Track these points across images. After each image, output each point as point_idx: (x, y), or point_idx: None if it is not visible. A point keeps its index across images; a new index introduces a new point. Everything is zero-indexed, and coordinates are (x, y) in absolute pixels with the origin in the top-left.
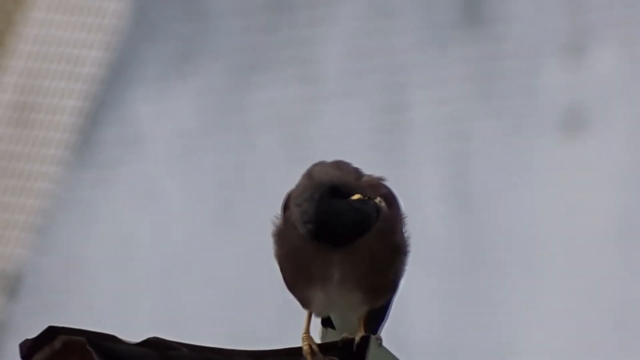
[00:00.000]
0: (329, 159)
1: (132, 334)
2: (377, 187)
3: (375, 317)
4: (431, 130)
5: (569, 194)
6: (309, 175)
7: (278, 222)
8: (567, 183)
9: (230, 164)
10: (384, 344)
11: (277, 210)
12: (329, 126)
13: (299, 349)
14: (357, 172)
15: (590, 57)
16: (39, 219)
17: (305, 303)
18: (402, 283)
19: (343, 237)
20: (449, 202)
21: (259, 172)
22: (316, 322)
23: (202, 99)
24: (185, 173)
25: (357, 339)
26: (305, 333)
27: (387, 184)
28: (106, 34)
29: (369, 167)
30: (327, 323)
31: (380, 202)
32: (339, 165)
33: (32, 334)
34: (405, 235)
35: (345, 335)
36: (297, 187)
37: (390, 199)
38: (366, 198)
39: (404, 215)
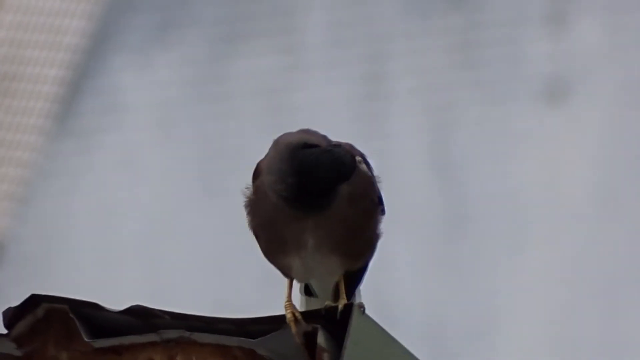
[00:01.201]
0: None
1: (115, 302)
2: (349, 150)
3: (352, 280)
4: (413, 99)
5: (551, 162)
6: (276, 143)
7: (249, 192)
8: (549, 152)
9: (211, 133)
10: (367, 311)
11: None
12: (310, 96)
13: (282, 316)
14: (325, 139)
15: (572, 27)
16: (20, 188)
17: (284, 271)
18: (382, 247)
19: (326, 183)
20: (431, 172)
21: (240, 141)
22: (296, 290)
23: (183, 69)
24: (167, 142)
25: (340, 306)
26: (287, 301)
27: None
28: (88, 4)
29: (351, 137)
30: (307, 291)
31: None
32: (306, 131)
33: (15, 303)
34: (380, 196)
35: (328, 303)
36: (266, 157)
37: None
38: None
39: (377, 178)
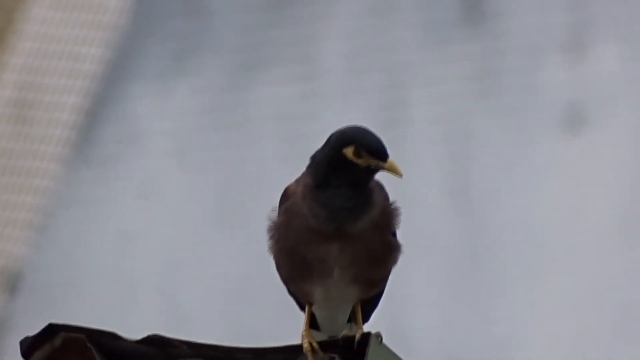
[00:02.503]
0: None
1: (132, 331)
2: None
3: (369, 307)
4: (431, 128)
5: (569, 191)
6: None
7: (274, 216)
8: (568, 180)
9: (229, 161)
10: (385, 340)
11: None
12: (328, 124)
13: (299, 346)
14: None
15: (591, 54)
16: (38, 217)
17: (305, 298)
18: (399, 275)
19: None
20: (449, 200)
21: (259, 169)
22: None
23: (201, 97)
24: (185, 170)
25: (358, 336)
26: (305, 330)
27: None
28: (106, 31)
29: None
30: (310, 325)
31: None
32: None
33: (33, 332)
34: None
35: (345, 332)
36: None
37: (387, 194)
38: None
39: (400, 211)
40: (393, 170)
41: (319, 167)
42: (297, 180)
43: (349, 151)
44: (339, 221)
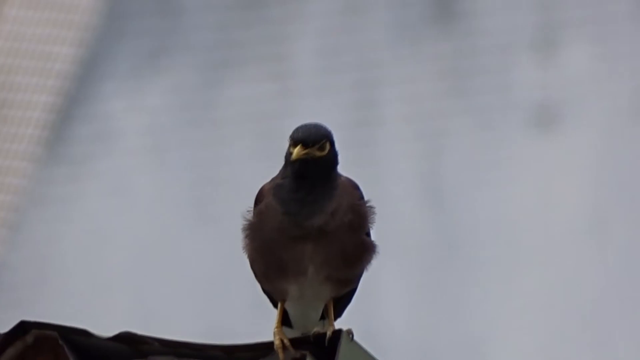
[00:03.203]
0: None
1: (105, 328)
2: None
3: (342, 306)
4: (403, 126)
5: (541, 188)
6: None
7: (250, 216)
8: (539, 178)
9: (203, 159)
10: (356, 338)
11: (250, 205)
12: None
13: (271, 343)
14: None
15: (561, 54)
16: (11, 215)
17: (279, 296)
18: (372, 273)
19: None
20: (421, 198)
21: (232, 167)
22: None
23: (174, 95)
24: (158, 169)
25: (329, 333)
26: (276, 327)
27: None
28: (78, 30)
29: (341, 163)
30: (283, 322)
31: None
32: None
33: (4, 329)
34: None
35: (316, 329)
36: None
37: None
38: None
39: (374, 210)
40: (294, 155)
41: (283, 165)
42: (272, 179)
43: (290, 145)
44: (293, 214)
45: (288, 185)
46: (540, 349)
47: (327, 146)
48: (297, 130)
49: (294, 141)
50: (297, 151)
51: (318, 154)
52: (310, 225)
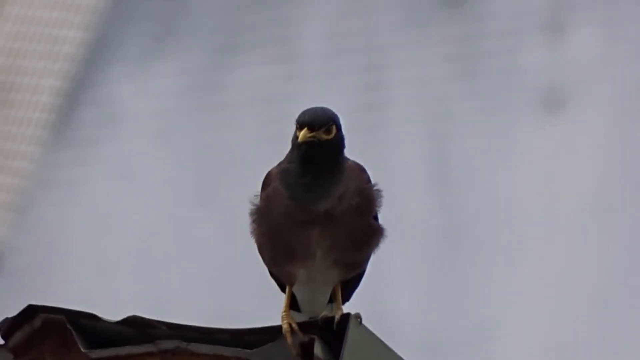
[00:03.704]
0: None
1: (112, 312)
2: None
3: (349, 287)
4: (411, 110)
5: (549, 173)
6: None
7: (256, 200)
8: (547, 162)
9: (209, 143)
10: (364, 321)
11: (256, 189)
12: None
13: (279, 327)
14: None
15: (571, 36)
16: (18, 198)
17: (287, 280)
18: (379, 257)
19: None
20: (428, 181)
21: (238, 151)
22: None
23: (181, 79)
24: (165, 152)
25: (337, 317)
26: (284, 311)
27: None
28: (85, 14)
29: (349, 147)
30: (291, 306)
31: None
32: None
33: (12, 313)
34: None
35: (325, 313)
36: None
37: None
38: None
39: (381, 194)
40: (300, 138)
41: (290, 149)
42: (279, 164)
43: (296, 129)
44: (300, 199)
45: (294, 170)
46: (547, 332)
47: (334, 129)
48: (303, 113)
49: (300, 124)
50: (303, 134)
51: (324, 137)
52: (317, 210)
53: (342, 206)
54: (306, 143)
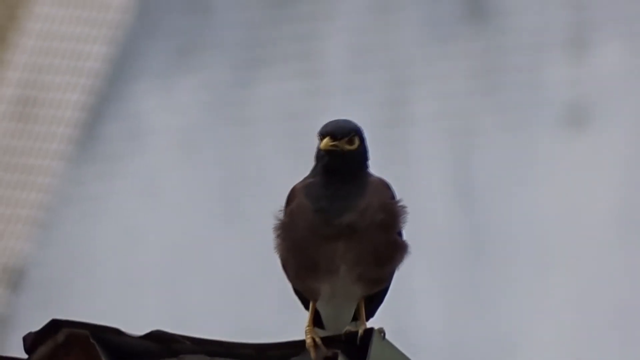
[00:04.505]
0: None
1: (136, 327)
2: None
3: (373, 303)
4: (434, 124)
5: (572, 188)
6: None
7: (281, 215)
8: (570, 177)
9: (233, 158)
10: (387, 336)
11: (280, 204)
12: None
13: (302, 341)
14: None
15: (594, 52)
16: (42, 213)
17: (311, 295)
18: (403, 271)
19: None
20: (452, 197)
21: (262, 166)
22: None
23: (205, 93)
24: (189, 167)
25: (361, 331)
26: (308, 326)
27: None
28: (109, 29)
29: (372, 162)
30: (315, 323)
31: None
32: None
33: (36, 328)
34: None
35: (348, 328)
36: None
37: (392, 193)
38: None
39: (405, 210)
40: (322, 146)
41: (314, 163)
42: (304, 179)
43: (319, 141)
44: (323, 211)
45: (319, 182)
46: (570, 347)
47: (357, 140)
48: (325, 125)
49: (322, 134)
50: (325, 142)
51: (347, 147)
52: (340, 223)
53: (366, 221)
54: (328, 152)
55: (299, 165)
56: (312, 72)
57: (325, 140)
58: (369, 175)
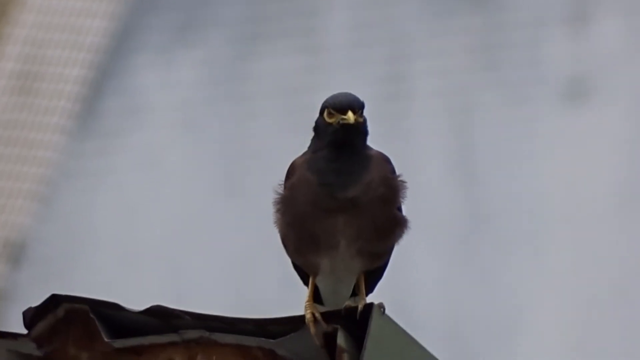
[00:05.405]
0: None
1: (136, 302)
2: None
3: (373, 278)
4: (434, 100)
5: (572, 163)
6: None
7: (281, 190)
8: (570, 152)
9: (233, 133)
10: (387, 312)
11: (281, 179)
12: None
13: (302, 317)
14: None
15: (594, 28)
16: (42, 188)
17: (310, 269)
18: (403, 247)
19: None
20: (452, 172)
21: (262, 141)
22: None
23: (205, 69)
24: (189, 142)
25: (360, 307)
26: (308, 301)
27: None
28: (110, 3)
29: (373, 137)
30: (314, 299)
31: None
32: None
33: (36, 303)
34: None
35: (348, 303)
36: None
37: (392, 167)
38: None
39: (405, 185)
40: (349, 120)
41: (314, 136)
42: (303, 154)
43: (325, 114)
44: (329, 185)
45: (325, 156)
46: (572, 322)
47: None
48: (335, 97)
49: (337, 108)
50: (350, 116)
51: (360, 120)
52: (344, 197)
53: (368, 195)
54: (346, 126)
55: (299, 140)
56: (312, 47)
57: (350, 114)
58: (369, 149)
